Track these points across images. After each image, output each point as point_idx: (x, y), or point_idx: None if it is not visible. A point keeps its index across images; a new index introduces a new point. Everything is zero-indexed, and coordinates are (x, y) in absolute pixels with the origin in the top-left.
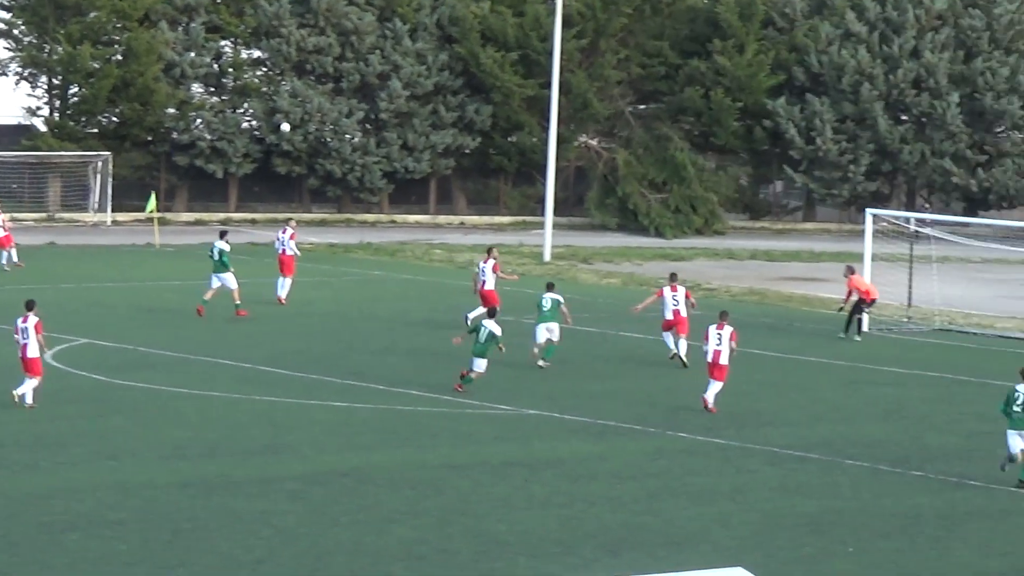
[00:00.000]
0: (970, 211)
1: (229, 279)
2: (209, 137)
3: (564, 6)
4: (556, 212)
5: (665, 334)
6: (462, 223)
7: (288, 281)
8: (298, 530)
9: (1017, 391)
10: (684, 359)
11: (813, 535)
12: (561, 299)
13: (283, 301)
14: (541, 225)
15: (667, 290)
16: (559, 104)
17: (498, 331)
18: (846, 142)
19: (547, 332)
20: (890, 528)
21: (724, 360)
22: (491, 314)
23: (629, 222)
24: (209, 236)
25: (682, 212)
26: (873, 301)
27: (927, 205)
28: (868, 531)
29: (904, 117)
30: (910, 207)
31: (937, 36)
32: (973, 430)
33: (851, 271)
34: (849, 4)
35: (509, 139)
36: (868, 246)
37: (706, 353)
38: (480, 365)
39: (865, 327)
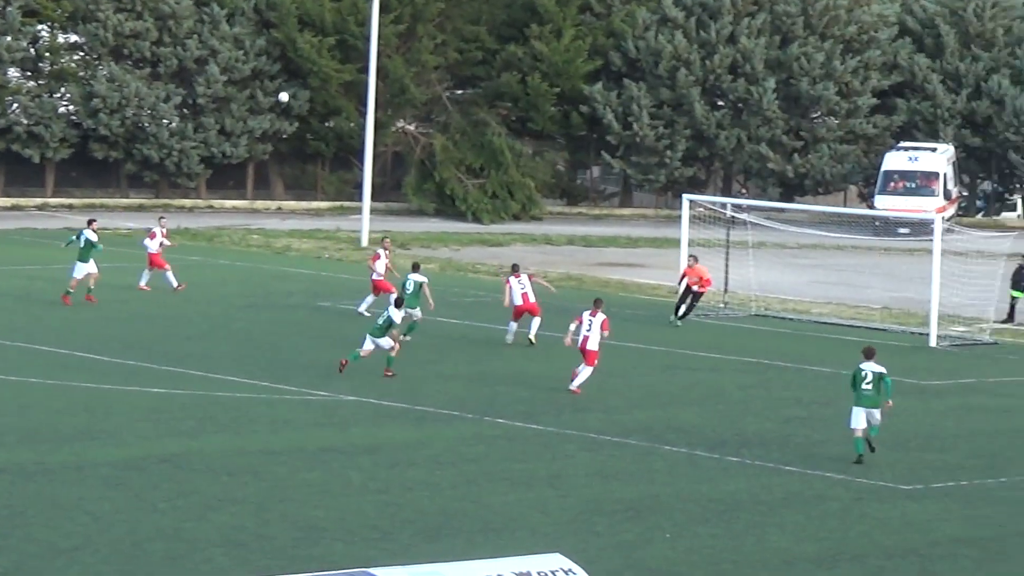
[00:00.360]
0: (786, 196)
1: (92, 267)
2: (25, 122)
3: None
4: (374, 197)
5: (512, 323)
6: (279, 208)
7: (153, 273)
8: (116, 516)
9: (863, 369)
10: (532, 339)
11: (631, 521)
12: (425, 280)
13: (144, 287)
14: (359, 210)
15: (512, 279)
16: (376, 89)
17: (398, 318)
18: (663, 128)
19: (410, 314)
20: (707, 513)
21: (593, 346)
22: (397, 304)
23: (447, 207)
24: (27, 221)
25: (499, 197)
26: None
27: (743, 191)
28: (685, 516)
29: (721, 103)
30: (727, 192)
31: (753, 22)
32: (790, 415)
33: (695, 260)
34: None
35: (326, 124)
36: (685, 231)
37: (576, 338)
38: (375, 344)
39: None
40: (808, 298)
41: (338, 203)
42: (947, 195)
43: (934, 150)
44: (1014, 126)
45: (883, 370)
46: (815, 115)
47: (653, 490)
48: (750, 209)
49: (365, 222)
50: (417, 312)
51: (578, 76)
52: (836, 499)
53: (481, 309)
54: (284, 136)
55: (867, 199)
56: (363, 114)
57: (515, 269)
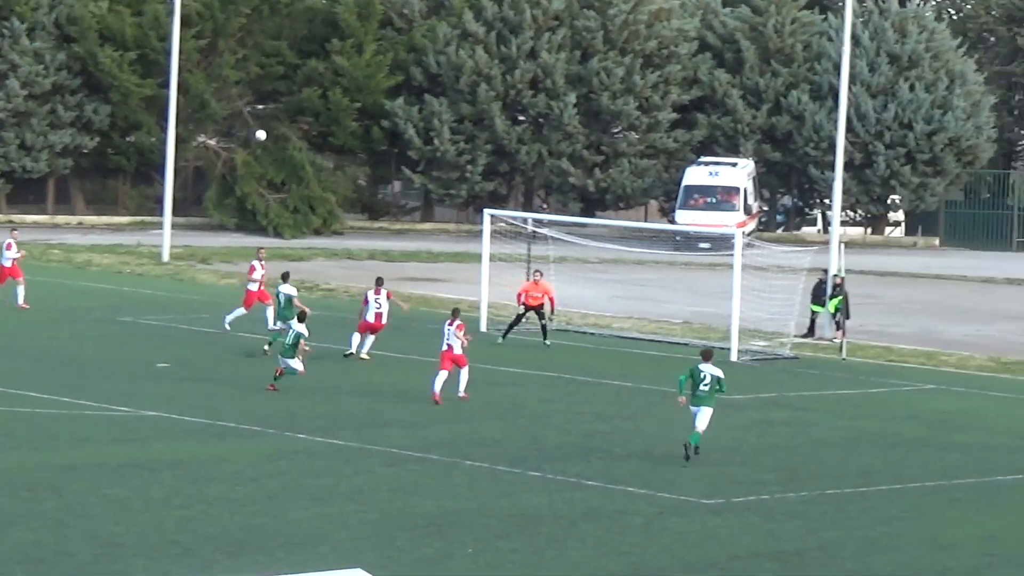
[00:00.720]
0: (587, 211)
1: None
2: None
3: (183, 5)
4: (175, 212)
5: (355, 335)
6: (80, 223)
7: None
8: None
9: (702, 371)
10: (366, 356)
11: (432, 536)
12: (295, 292)
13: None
14: (160, 225)
15: (371, 293)
16: (177, 104)
17: (305, 332)
18: (464, 143)
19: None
20: (509, 528)
21: (459, 350)
22: (301, 318)
23: (248, 222)
24: None
25: (301, 212)
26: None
27: (544, 205)
28: (487, 531)
29: (522, 117)
30: (528, 207)
31: (554, 37)
32: (591, 430)
33: (540, 275)
34: (467, 4)
35: (127, 139)
36: (486, 246)
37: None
38: (294, 365)
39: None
40: (609, 312)
41: (139, 218)
42: (747, 210)
43: (734, 165)
44: (814, 141)
45: (720, 373)
46: (616, 130)
47: (455, 505)
48: (551, 224)
49: (166, 237)
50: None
51: (379, 91)
52: (638, 513)
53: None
54: (85, 151)
55: (668, 214)
56: (164, 129)
57: (378, 284)
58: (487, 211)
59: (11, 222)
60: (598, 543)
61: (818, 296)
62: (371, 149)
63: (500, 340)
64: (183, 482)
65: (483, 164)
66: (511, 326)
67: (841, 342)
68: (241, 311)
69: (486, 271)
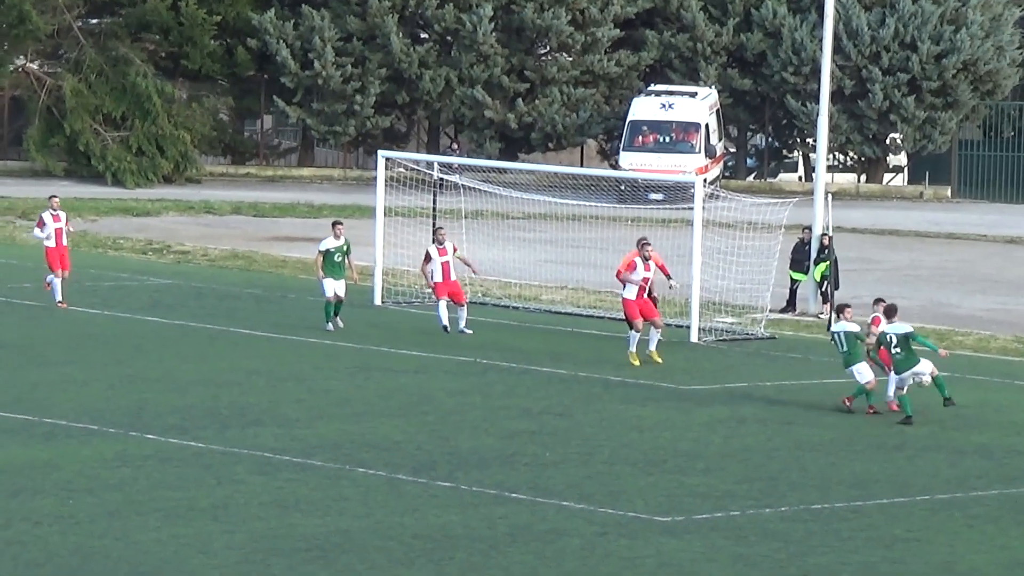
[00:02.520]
0: (508, 154)
1: None
2: None
3: None
4: None
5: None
6: None
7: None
8: None
9: (887, 334)
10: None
11: (316, 562)
12: None
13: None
14: None
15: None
16: None
17: None
18: (352, 67)
19: None
20: (413, 553)
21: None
22: None
23: (80, 167)
24: None
25: (146, 154)
26: None
27: (454, 146)
28: (385, 557)
29: (424, 35)
30: (433, 149)
31: None
32: (515, 429)
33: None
34: None
35: None
36: (380, 197)
37: None
38: None
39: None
40: (537, 281)
41: None
42: (710, 152)
43: (693, 95)
44: (793, 65)
45: (909, 328)
46: (543, 51)
47: (343, 523)
48: (463, 169)
49: None
50: None
51: (244, 2)
52: (575, 534)
53: (125, 295)
54: None
55: (610, 157)
56: None
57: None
58: (381, 153)
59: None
60: (526, 571)
61: (799, 261)
62: (235, 75)
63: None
64: (1, 495)
65: (376, 94)
66: None
67: (828, 318)
68: (54, 278)
69: (380, 229)
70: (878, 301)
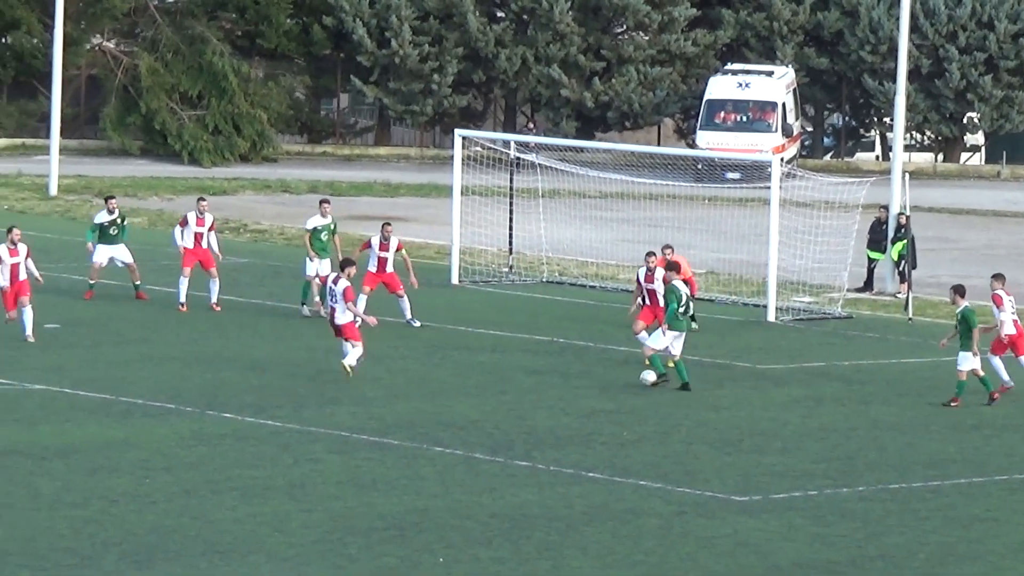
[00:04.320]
0: (585, 132)
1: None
2: None
3: None
4: (64, 133)
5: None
6: None
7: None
8: None
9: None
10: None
11: (393, 541)
12: None
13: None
14: (46, 150)
15: (375, 239)
16: None
17: None
18: (429, 46)
19: None
20: (490, 532)
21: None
22: None
23: (156, 146)
24: None
25: (223, 133)
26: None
27: (531, 125)
28: (462, 536)
29: (501, 14)
30: (510, 127)
31: None
32: (593, 408)
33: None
34: None
35: (2, 40)
36: (457, 176)
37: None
38: None
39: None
40: (614, 260)
41: (19, 140)
42: (787, 131)
43: (770, 74)
44: (870, 44)
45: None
46: (620, 30)
47: (420, 503)
48: (539, 148)
49: (54, 164)
50: None
51: None
52: (653, 513)
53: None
54: None
55: (687, 136)
56: (49, 28)
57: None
58: (458, 132)
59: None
60: (603, 550)
61: (877, 240)
62: (311, 54)
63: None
64: (78, 473)
65: (453, 73)
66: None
67: (906, 297)
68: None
69: (458, 208)
70: (996, 276)
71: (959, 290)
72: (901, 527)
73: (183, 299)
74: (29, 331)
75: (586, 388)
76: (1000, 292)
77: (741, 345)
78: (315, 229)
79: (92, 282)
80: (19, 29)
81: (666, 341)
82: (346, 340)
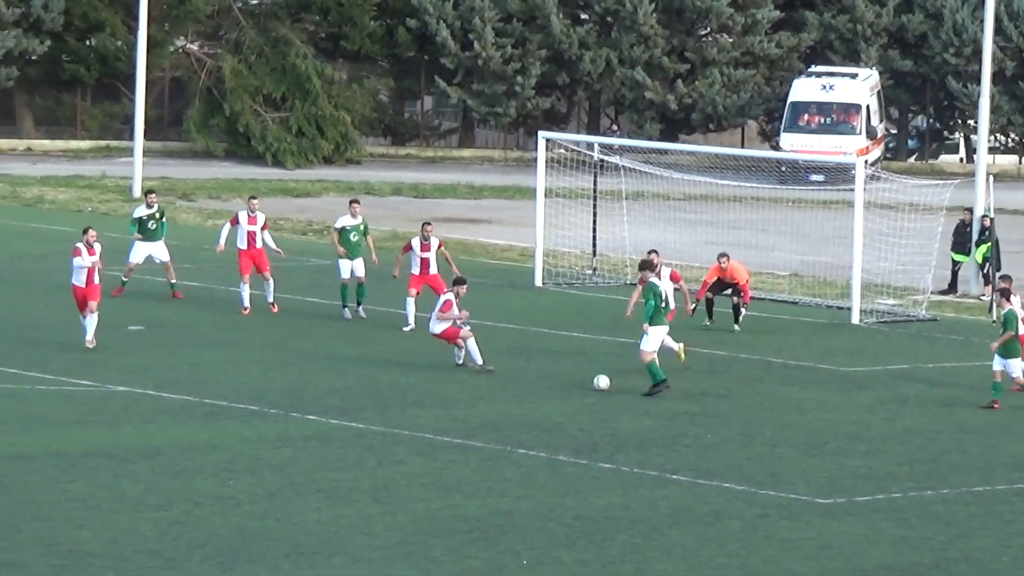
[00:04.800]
0: (668, 134)
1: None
2: None
3: None
4: (148, 135)
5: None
6: (29, 149)
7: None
8: None
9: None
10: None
11: (477, 543)
12: None
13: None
14: (129, 152)
15: (416, 240)
16: None
17: None
18: (512, 47)
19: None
20: (574, 535)
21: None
22: None
23: (240, 148)
24: None
25: (306, 135)
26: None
27: (614, 127)
28: (546, 538)
29: (585, 16)
30: (593, 130)
31: None
32: (676, 410)
33: (727, 257)
34: None
35: (87, 42)
36: (541, 178)
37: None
38: None
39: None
40: (697, 263)
41: (103, 142)
42: (871, 133)
43: (854, 76)
44: (954, 46)
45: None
46: (703, 32)
47: (504, 505)
48: (623, 150)
49: (137, 166)
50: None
51: None
52: (736, 516)
53: (284, 276)
54: (33, 58)
55: (770, 138)
56: (133, 30)
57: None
58: (542, 134)
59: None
60: (686, 553)
61: (961, 242)
62: (395, 56)
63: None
64: (162, 475)
65: (536, 75)
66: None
67: (990, 300)
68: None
69: (541, 210)
70: None
71: (1004, 293)
72: (985, 530)
73: (247, 304)
74: (90, 336)
75: (670, 390)
76: None
77: (825, 348)
78: (343, 229)
79: (125, 279)
80: (103, 31)
81: (657, 341)
82: (453, 344)
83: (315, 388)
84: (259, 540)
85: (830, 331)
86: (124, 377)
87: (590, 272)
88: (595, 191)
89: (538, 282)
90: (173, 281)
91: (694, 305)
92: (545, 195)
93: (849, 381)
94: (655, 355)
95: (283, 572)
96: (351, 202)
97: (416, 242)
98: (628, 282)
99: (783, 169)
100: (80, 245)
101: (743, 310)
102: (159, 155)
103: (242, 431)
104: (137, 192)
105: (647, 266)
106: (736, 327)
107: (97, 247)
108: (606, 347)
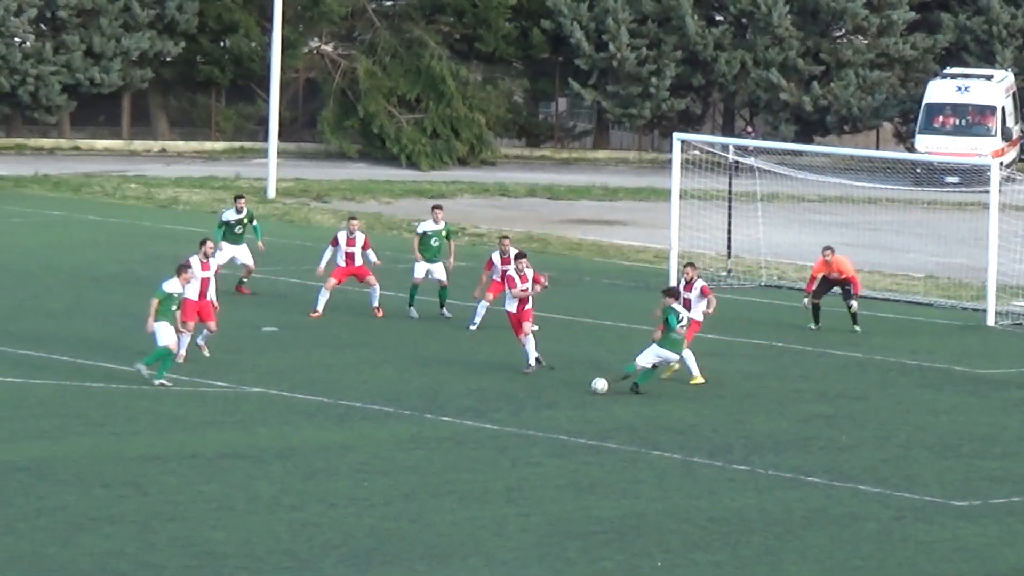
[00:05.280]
0: (803, 136)
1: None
2: None
3: None
4: (282, 137)
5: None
6: (164, 150)
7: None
8: None
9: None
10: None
11: (611, 545)
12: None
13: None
14: (264, 153)
15: (496, 255)
16: None
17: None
18: (647, 49)
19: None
20: (709, 536)
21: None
22: None
23: (374, 149)
24: None
25: (441, 137)
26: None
27: (749, 129)
28: (680, 540)
29: (720, 17)
30: (728, 131)
31: None
32: (811, 412)
33: (831, 251)
34: None
35: (221, 44)
36: (676, 180)
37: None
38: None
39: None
40: None
41: (237, 144)
42: (1006, 134)
43: (989, 78)
44: None
45: None
46: (838, 33)
47: (639, 506)
48: (758, 152)
49: (272, 168)
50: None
51: None
52: (871, 518)
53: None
54: (168, 59)
55: (906, 139)
56: (268, 31)
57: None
58: (677, 135)
59: (77, 148)
60: (822, 555)
61: None
62: (530, 57)
63: (856, 327)
64: (296, 476)
65: (671, 76)
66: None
67: None
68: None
69: (676, 211)
70: None
71: None
72: None
73: (320, 308)
74: (183, 350)
75: (804, 392)
76: None
77: (960, 350)
78: (424, 234)
79: (244, 279)
80: (238, 32)
81: (651, 358)
82: (519, 336)
83: (450, 389)
84: (393, 541)
85: (965, 333)
86: (259, 378)
87: (725, 274)
88: (730, 192)
89: (672, 284)
90: (245, 279)
91: (806, 298)
92: (680, 197)
93: (984, 383)
94: (648, 366)
95: (417, 573)
96: (433, 208)
97: (496, 257)
98: (763, 284)
99: (918, 171)
100: (195, 258)
101: (855, 303)
102: (293, 156)
103: (376, 432)
104: (272, 193)
105: (671, 293)
106: (856, 328)
107: (213, 262)
108: (740, 348)
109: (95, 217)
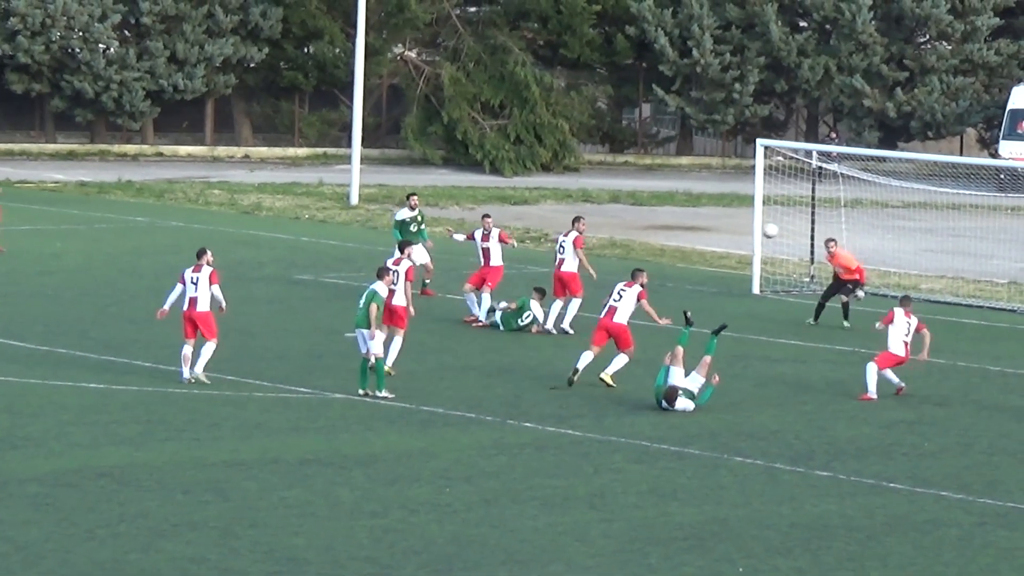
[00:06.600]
0: (887, 142)
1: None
2: None
3: None
4: (365, 143)
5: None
6: (247, 156)
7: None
8: (44, 546)
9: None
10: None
11: (693, 551)
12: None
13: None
14: (347, 159)
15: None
16: (368, 5)
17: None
18: (731, 55)
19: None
20: (790, 542)
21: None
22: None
23: (458, 155)
24: None
25: (524, 143)
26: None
27: (833, 135)
28: (762, 546)
29: (803, 23)
30: (811, 137)
31: None
32: (894, 419)
33: (835, 243)
34: None
35: (305, 50)
36: (759, 186)
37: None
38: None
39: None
40: (916, 270)
41: (320, 150)
42: None
43: None
44: None
45: None
46: (922, 39)
47: (720, 512)
48: (841, 158)
49: (355, 174)
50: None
51: None
52: (953, 524)
53: (503, 285)
54: (252, 65)
55: (990, 145)
56: (351, 37)
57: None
58: (760, 142)
59: (160, 154)
60: (904, 561)
61: None
62: (614, 63)
63: (845, 323)
64: (378, 483)
65: (755, 82)
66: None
67: None
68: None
69: (759, 218)
70: None
71: None
72: None
73: (475, 312)
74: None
75: (886, 398)
76: None
77: None
78: (403, 221)
79: (427, 280)
80: (321, 39)
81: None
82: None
83: (532, 395)
84: (475, 547)
85: None
86: (341, 384)
87: (808, 280)
88: (813, 199)
89: (756, 290)
90: (427, 280)
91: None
92: (763, 203)
93: None
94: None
95: None
96: (408, 195)
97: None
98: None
99: (1002, 177)
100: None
101: (861, 293)
102: (376, 162)
103: (459, 438)
104: (355, 199)
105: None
106: (846, 323)
107: (405, 262)
108: (823, 355)
109: (178, 223)
